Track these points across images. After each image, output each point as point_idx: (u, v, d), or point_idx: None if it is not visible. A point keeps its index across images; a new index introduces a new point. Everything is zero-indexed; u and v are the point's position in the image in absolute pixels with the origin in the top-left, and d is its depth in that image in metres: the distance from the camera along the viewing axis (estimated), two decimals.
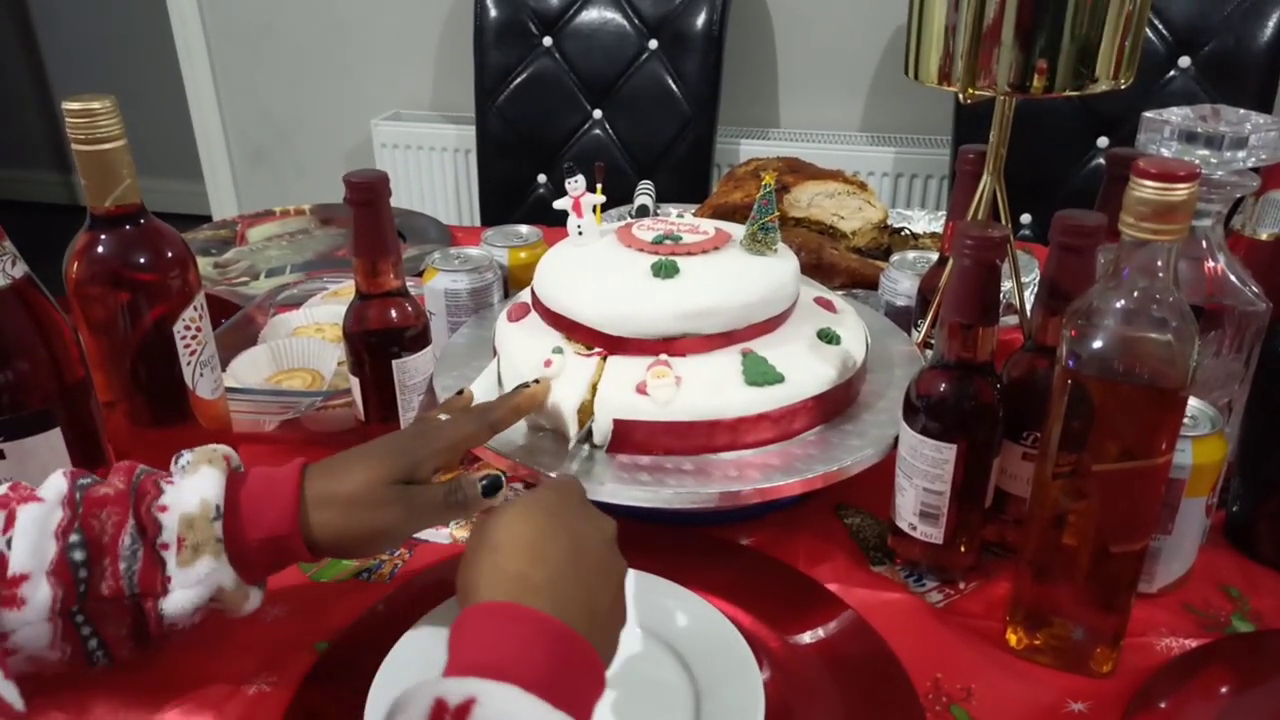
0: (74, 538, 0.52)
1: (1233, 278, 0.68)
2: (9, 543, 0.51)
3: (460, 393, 0.67)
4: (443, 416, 0.63)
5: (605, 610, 0.47)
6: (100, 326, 0.70)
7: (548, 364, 0.69)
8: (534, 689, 0.38)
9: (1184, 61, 1.57)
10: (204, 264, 1.19)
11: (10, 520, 0.51)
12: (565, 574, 0.46)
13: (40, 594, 0.50)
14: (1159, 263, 0.51)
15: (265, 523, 0.54)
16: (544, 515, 0.48)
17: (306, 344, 0.93)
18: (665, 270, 0.71)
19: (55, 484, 0.54)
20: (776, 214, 0.73)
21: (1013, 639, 0.62)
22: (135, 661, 0.58)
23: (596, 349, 0.71)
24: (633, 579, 0.63)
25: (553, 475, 0.65)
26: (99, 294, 0.69)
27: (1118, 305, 0.52)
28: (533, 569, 0.45)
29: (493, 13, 1.82)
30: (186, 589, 0.53)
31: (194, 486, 0.54)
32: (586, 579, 0.47)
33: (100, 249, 0.68)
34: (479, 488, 0.58)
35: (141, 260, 0.69)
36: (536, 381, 0.67)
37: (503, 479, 0.59)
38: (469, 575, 0.46)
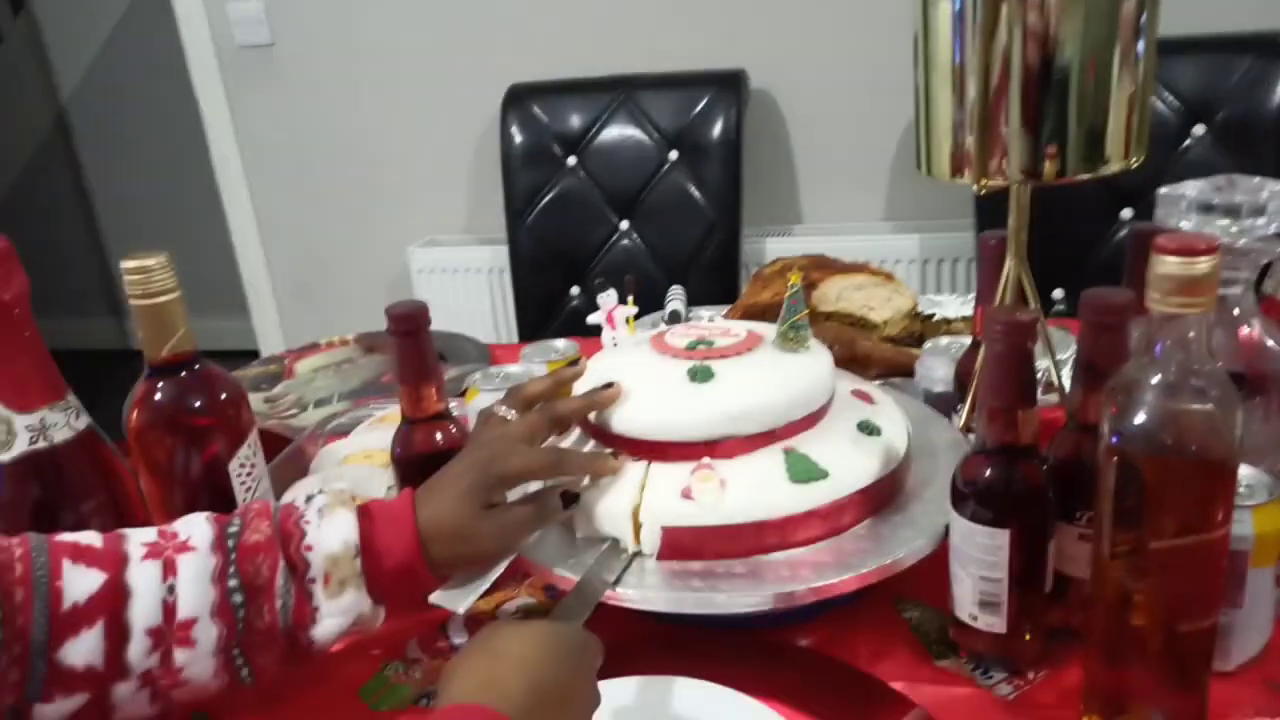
0: (232, 582, 0.59)
1: (1270, 342, 0.68)
2: (171, 589, 0.58)
3: (609, 385, 0.72)
4: (506, 412, 0.70)
5: None
6: (160, 470, 0.72)
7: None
8: None
9: (1199, 129, 1.59)
10: (254, 399, 1.23)
11: (170, 568, 0.58)
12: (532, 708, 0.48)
13: (209, 634, 0.58)
14: (1191, 334, 0.51)
15: (395, 555, 0.62)
16: (549, 665, 0.50)
17: (356, 471, 0.95)
18: (701, 375, 0.72)
19: (202, 531, 0.60)
20: (806, 311, 0.74)
21: None
22: None
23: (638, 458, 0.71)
24: (692, 687, 0.63)
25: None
26: (158, 439, 0.71)
27: (1155, 380, 0.52)
28: (511, 688, 0.48)
29: (518, 139, 1.90)
30: (334, 617, 0.61)
31: (335, 529, 0.61)
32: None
33: (159, 396, 0.71)
34: (559, 500, 0.66)
35: (197, 404, 0.72)
36: (610, 385, 0.72)
37: (579, 493, 0.67)
38: (462, 668, 0.50)
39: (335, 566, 0.60)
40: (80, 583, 0.56)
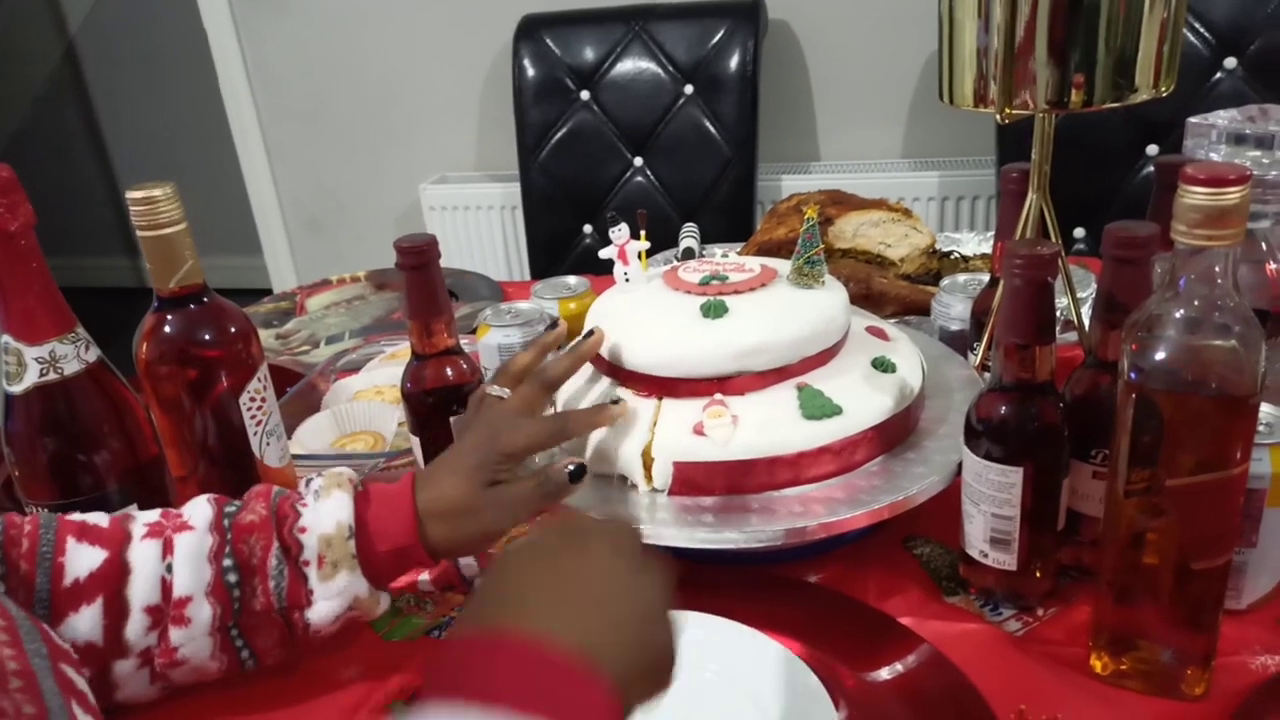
0: (227, 561, 0.59)
1: None
2: (170, 568, 0.58)
3: (590, 334, 0.73)
4: (499, 391, 0.68)
5: (634, 656, 0.43)
6: (170, 404, 0.72)
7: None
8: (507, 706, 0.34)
9: (1230, 63, 1.54)
10: (266, 335, 1.23)
11: (168, 547, 0.58)
12: (596, 620, 0.42)
13: (203, 613, 0.58)
14: (1217, 269, 0.50)
15: (390, 537, 0.60)
16: (612, 559, 0.46)
17: (367, 407, 0.95)
18: (714, 310, 0.71)
19: (202, 511, 0.60)
20: (821, 247, 0.73)
21: (1098, 665, 0.60)
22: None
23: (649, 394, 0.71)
24: (701, 622, 0.63)
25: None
26: (168, 373, 0.71)
27: (1178, 315, 0.51)
28: (555, 610, 0.42)
29: (530, 72, 1.86)
30: (329, 600, 0.59)
31: (329, 510, 0.60)
32: (622, 625, 0.43)
33: (167, 329, 0.71)
34: (566, 475, 0.63)
35: (206, 337, 0.71)
36: (591, 333, 0.72)
37: (586, 466, 0.63)
38: (530, 590, 0.43)
39: (328, 548, 0.59)
40: (82, 559, 0.57)
